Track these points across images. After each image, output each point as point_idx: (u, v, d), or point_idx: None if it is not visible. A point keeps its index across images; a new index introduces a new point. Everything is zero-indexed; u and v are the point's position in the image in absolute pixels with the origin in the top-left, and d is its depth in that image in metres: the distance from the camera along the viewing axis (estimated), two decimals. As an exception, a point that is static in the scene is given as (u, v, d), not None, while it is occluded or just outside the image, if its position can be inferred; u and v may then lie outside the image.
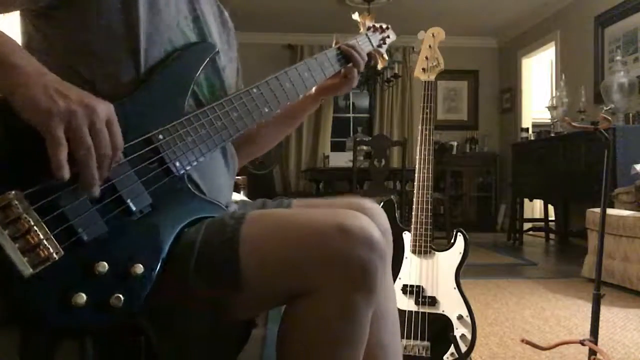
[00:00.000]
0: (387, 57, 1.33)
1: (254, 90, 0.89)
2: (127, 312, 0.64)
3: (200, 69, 0.83)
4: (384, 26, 1.28)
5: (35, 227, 0.58)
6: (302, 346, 0.75)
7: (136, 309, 0.65)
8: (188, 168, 0.77)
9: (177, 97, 0.79)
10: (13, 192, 0.58)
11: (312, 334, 0.74)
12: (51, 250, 0.59)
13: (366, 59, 1.13)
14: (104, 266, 0.63)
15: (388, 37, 1.29)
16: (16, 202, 0.58)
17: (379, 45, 1.26)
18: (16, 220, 0.58)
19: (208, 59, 0.85)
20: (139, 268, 0.65)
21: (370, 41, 1.22)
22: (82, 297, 0.60)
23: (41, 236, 0.59)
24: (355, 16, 1.27)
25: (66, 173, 0.60)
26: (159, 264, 0.69)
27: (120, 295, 0.63)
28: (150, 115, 0.75)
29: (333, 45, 1.10)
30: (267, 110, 0.90)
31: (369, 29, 1.25)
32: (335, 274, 0.71)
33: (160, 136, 0.74)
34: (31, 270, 0.57)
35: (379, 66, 1.34)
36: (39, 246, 0.58)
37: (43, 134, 0.60)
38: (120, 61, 0.77)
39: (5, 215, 0.57)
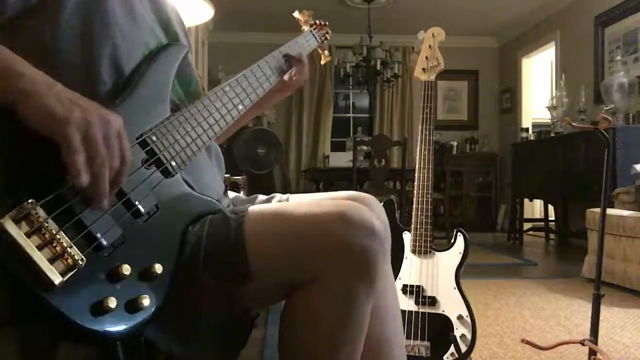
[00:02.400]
0: (328, 54, 1.42)
1: (226, 88, 0.92)
2: (153, 313, 0.65)
3: (176, 69, 0.84)
4: (323, 23, 1.35)
5: (57, 236, 0.58)
6: (303, 334, 0.76)
7: (160, 308, 0.66)
8: (183, 167, 0.78)
9: (160, 99, 0.80)
10: (30, 201, 0.57)
11: (313, 322, 0.75)
12: (76, 257, 0.59)
13: (305, 61, 1.18)
14: (127, 269, 0.63)
15: (328, 32, 1.36)
16: (35, 212, 0.57)
17: (322, 42, 1.34)
18: (38, 230, 0.57)
19: (181, 59, 0.86)
20: (159, 267, 0.67)
21: (316, 38, 1.30)
22: (113, 301, 0.60)
23: (64, 244, 0.58)
24: (296, 14, 1.35)
25: (86, 179, 0.59)
26: (175, 262, 0.71)
27: (147, 296, 0.64)
28: (139, 119, 0.75)
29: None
30: (241, 107, 0.93)
31: (311, 25, 1.32)
32: (337, 263, 0.73)
33: (154, 137, 0.75)
34: (61, 278, 0.56)
35: (322, 61, 1.44)
36: (64, 254, 0.58)
37: (59, 142, 0.59)
38: (98, 69, 0.75)
39: (27, 226, 0.56)
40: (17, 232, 0.55)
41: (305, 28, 1.31)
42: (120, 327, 0.61)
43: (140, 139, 0.73)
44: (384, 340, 0.92)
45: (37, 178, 0.60)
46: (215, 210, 0.81)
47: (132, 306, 0.63)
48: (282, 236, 0.75)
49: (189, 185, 0.79)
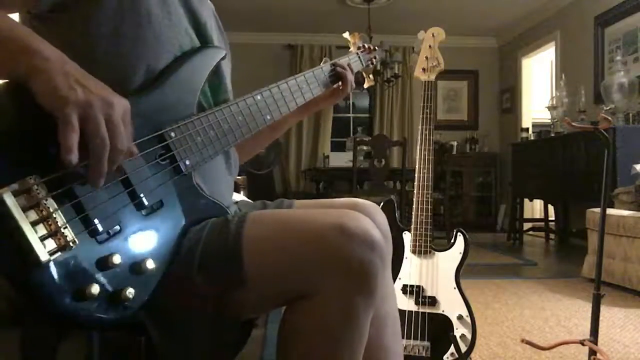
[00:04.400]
0: (372, 78, 1.43)
1: (258, 97, 0.91)
2: (136, 307, 0.65)
3: (209, 72, 0.84)
4: (372, 47, 1.35)
5: (54, 214, 0.58)
6: (302, 347, 0.75)
7: (143, 304, 0.66)
8: (196, 168, 0.78)
9: (187, 98, 0.80)
10: (33, 177, 0.58)
11: (312, 335, 0.74)
12: (68, 238, 0.59)
13: (353, 82, 1.19)
14: (117, 258, 0.63)
15: (375, 57, 1.36)
16: (36, 188, 0.57)
17: (367, 65, 1.33)
18: (36, 206, 0.57)
19: (216, 62, 0.86)
20: (150, 263, 0.66)
21: (361, 61, 1.29)
22: (96, 288, 0.60)
23: (59, 224, 0.58)
24: (346, 35, 1.35)
25: (74, 158, 0.59)
26: (168, 260, 0.70)
27: (132, 289, 0.63)
28: (163, 113, 0.75)
29: (321, 64, 1.16)
30: (269, 117, 0.92)
31: (359, 48, 1.31)
32: (335, 275, 0.72)
33: (173, 134, 0.75)
34: (48, 256, 0.57)
35: (365, 85, 1.44)
36: (57, 233, 0.58)
37: (56, 119, 0.59)
38: (127, 67, 0.76)
39: (25, 201, 0.57)
40: (13, 204, 0.56)
41: (353, 49, 1.31)
42: (99, 316, 0.61)
43: (158, 133, 0.73)
44: (382, 347, 0.92)
45: (47, 156, 0.61)
46: (219, 214, 0.81)
47: (115, 297, 0.63)
48: (281, 245, 0.75)
49: (200, 187, 0.79)
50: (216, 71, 0.90)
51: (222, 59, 0.89)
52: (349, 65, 1.19)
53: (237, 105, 0.86)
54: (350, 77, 1.17)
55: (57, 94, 0.60)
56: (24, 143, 0.61)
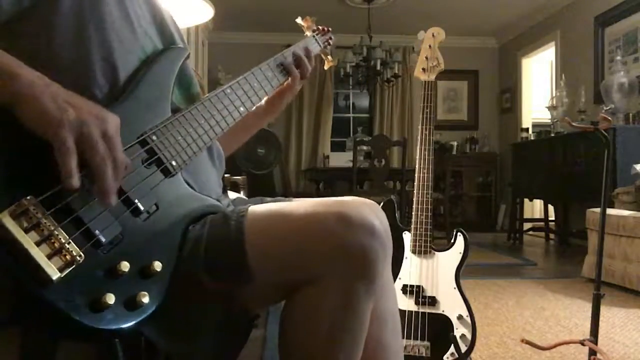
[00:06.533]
0: (331, 59, 1.45)
1: (227, 90, 0.92)
2: (152, 310, 0.65)
3: (176, 73, 0.85)
4: (326, 29, 1.36)
5: (55, 232, 0.58)
6: (303, 333, 0.76)
7: (158, 306, 0.66)
8: (183, 167, 0.78)
9: (161, 100, 0.80)
10: (28, 197, 0.57)
11: (313, 321, 0.75)
12: (74, 253, 0.59)
13: (312, 64, 1.19)
14: (126, 266, 0.63)
15: (331, 38, 1.37)
16: (33, 208, 0.57)
17: (325, 47, 1.35)
18: (36, 226, 0.57)
19: (182, 62, 0.87)
20: (157, 265, 0.67)
21: (318, 43, 1.30)
22: (112, 297, 0.60)
23: (62, 240, 0.58)
24: (299, 20, 1.36)
25: (76, 182, 0.59)
26: (174, 260, 0.71)
27: (146, 293, 0.64)
28: (140, 118, 0.75)
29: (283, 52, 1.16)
30: (242, 109, 0.93)
31: (314, 31, 1.32)
32: (337, 262, 0.72)
33: (154, 137, 0.75)
34: (59, 274, 0.57)
35: (326, 66, 1.45)
36: (62, 250, 0.58)
37: (52, 143, 0.59)
38: (94, 73, 0.75)
39: (25, 222, 0.56)
40: (15, 227, 0.55)
41: (308, 33, 1.32)
42: (119, 324, 0.61)
43: (141, 138, 0.73)
44: (381, 345, 0.92)
45: (37, 174, 0.61)
46: (215, 210, 0.81)
47: (131, 303, 0.63)
48: (282, 236, 0.75)
49: (189, 185, 0.79)
50: (183, 70, 0.90)
51: (187, 58, 0.89)
52: (307, 49, 1.19)
53: (210, 101, 0.87)
54: (305, 61, 1.16)
55: (48, 117, 0.59)
56: (11, 163, 0.60)
